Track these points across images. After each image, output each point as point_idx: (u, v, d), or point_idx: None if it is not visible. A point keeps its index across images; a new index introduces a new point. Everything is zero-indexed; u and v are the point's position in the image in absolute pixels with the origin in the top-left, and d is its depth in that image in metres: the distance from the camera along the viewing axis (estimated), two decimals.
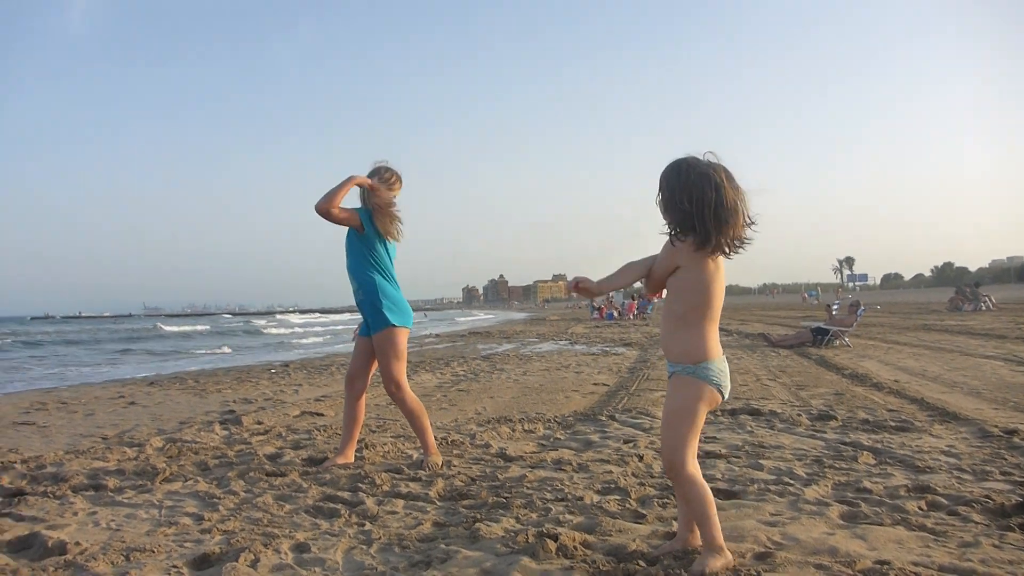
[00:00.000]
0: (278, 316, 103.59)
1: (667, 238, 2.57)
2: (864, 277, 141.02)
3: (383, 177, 4.54)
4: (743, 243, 2.52)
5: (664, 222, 2.57)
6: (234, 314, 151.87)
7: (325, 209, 4.25)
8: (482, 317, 65.53)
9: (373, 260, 4.49)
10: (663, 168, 2.57)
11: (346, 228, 4.50)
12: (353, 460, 4.63)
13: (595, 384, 9.00)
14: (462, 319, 60.94)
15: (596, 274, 2.69)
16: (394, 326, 4.45)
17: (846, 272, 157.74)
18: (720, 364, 2.57)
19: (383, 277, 4.50)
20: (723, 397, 2.58)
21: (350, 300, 4.70)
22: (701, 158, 2.52)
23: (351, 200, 4.49)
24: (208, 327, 49.76)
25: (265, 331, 41.06)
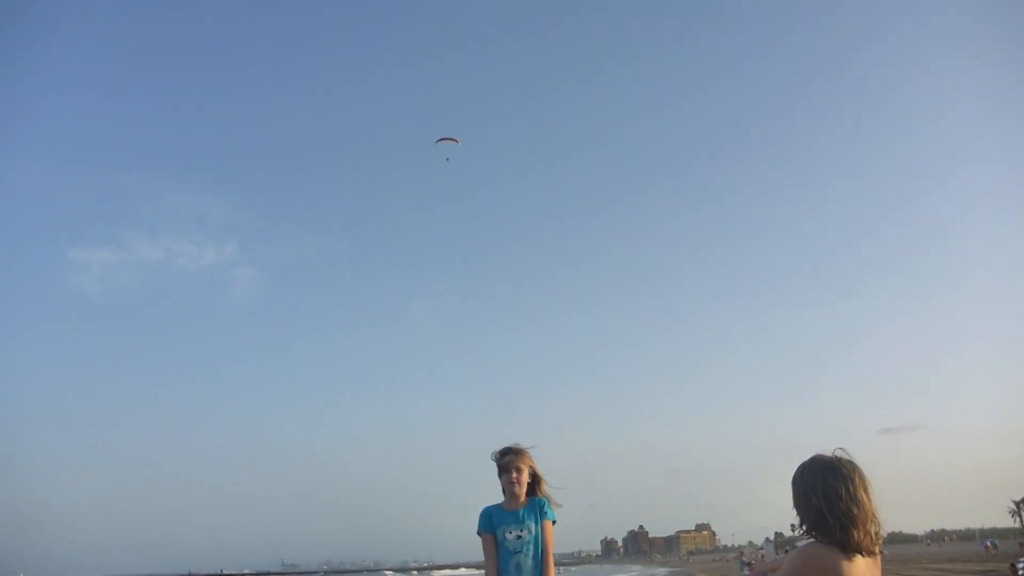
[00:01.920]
0: (435, 572, 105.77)
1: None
2: None
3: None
4: (880, 539, 2.38)
5: (801, 526, 2.47)
6: (395, 570, 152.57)
7: None
8: None
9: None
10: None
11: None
12: None
13: None
14: None
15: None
16: None
17: None
18: None
19: None
20: None
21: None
22: (828, 454, 2.46)
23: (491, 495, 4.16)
24: None
25: None
